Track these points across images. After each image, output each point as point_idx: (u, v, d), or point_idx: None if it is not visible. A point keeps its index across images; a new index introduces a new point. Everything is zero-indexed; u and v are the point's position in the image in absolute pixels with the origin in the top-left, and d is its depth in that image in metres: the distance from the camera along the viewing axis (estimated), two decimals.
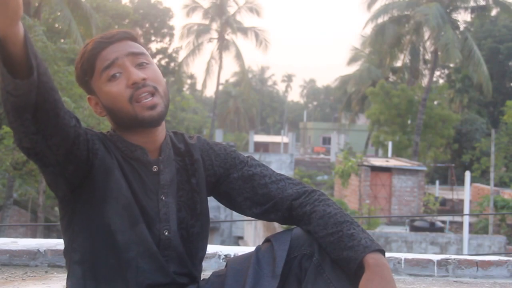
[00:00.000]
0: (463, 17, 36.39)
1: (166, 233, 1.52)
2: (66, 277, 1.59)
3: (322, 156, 43.43)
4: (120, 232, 1.47)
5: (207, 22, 38.69)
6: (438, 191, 23.40)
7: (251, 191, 1.61)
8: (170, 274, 1.52)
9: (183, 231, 1.56)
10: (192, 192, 1.59)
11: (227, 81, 64.31)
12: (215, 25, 38.37)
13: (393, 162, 21.12)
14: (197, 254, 1.60)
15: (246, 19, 74.87)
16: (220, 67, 37.65)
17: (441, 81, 38.53)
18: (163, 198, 1.53)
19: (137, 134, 1.52)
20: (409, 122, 28.40)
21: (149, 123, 1.48)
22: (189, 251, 1.57)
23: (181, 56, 37.91)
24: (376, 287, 1.38)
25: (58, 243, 3.20)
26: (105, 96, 1.50)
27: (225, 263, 2.73)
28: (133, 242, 1.48)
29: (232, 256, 3.01)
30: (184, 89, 44.60)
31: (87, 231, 1.48)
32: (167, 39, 37.05)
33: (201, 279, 1.63)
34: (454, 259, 3.10)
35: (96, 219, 1.47)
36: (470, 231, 14.71)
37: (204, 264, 1.78)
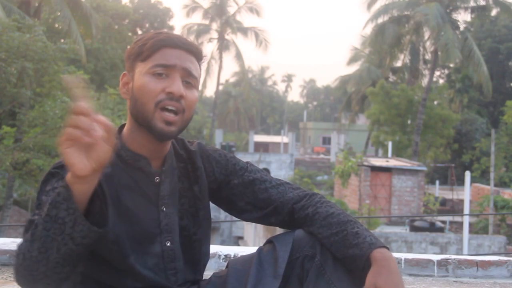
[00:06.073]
0: (463, 17, 36.52)
1: (168, 244, 1.52)
2: None
3: (322, 156, 43.35)
4: (116, 261, 1.45)
5: (207, 22, 38.72)
6: (438, 191, 23.38)
7: (251, 196, 1.62)
8: None
9: (185, 239, 1.55)
10: (194, 199, 1.59)
11: (227, 81, 64.33)
12: (215, 25, 38.39)
13: (393, 162, 21.09)
14: (201, 260, 1.61)
15: (246, 19, 75.02)
16: (220, 67, 37.68)
17: (441, 81, 38.52)
18: (164, 209, 1.52)
19: (146, 138, 1.50)
20: (409, 122, 28.38)
21: (157, 135, 1.47)
22: (192, 258, 1.57)
23: None
24: (384, 280, 1.39)
25: None
26: (139, 84, 1.48)
27: (225, 263, 2.74)
28: (128, 274, 1.47)
29: (232, 256, 3.01)
30: None
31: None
32: None
33: (202, 279, 1.63)
34: (454, 259, 3.09)
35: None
36: (470, 231, 14.69)
37: None
